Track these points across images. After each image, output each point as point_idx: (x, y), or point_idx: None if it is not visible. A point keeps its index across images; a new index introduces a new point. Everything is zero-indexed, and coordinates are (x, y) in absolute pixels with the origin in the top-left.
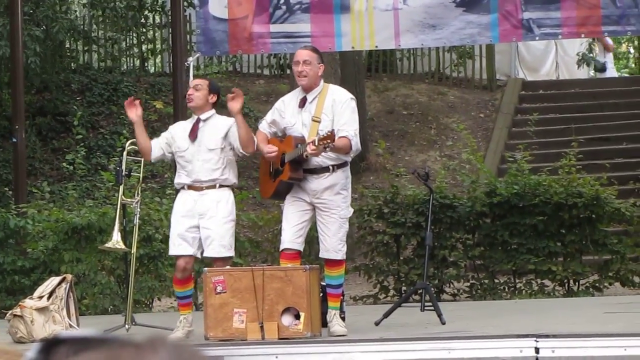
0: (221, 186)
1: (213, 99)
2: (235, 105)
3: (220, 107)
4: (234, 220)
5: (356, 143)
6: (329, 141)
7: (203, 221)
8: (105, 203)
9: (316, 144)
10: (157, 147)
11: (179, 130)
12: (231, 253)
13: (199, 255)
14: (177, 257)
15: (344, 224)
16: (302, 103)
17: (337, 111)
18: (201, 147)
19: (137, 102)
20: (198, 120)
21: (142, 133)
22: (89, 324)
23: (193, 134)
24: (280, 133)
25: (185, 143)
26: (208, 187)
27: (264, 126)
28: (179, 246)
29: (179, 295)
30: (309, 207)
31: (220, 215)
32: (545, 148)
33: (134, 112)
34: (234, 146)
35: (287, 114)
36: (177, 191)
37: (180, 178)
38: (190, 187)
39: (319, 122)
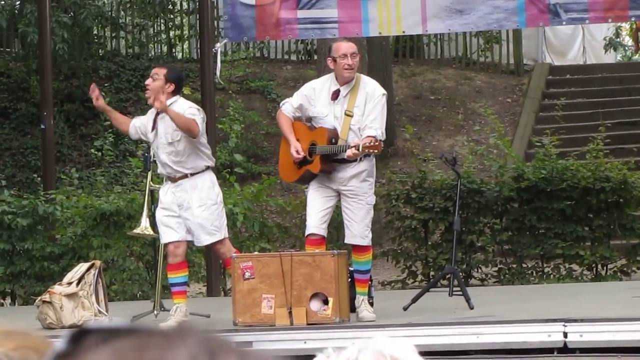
0: (193, 174)
1: (170, 88)
2: (159, 105)
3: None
4: (215, 203)
5: (380, 140)
6: (375, 150)
7: (182, 212)
8: (133, 189)
9: (359, 149)
10: (133, 129)
11: (145, 121)
12: (220, 236)
13: (190, 239)
14: (166, 243)
15: (370, 210)
16: (335, 95)
17: (368, 106)
18: (161, 140)
19: (97, 92)
20: (157, 113)
21: (115, 119)
22: (118, 309)
23: (153, 127)
24: (304, 118)
25: (150, 135)
26: (181, 178)
27: (288, 109)
28: (164, 234)
29: (171, 282)
30: (334, 194)
31: (196, 205)
32: (572, 133)
33: (95, 103)
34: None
35: (319, 103)
36: None
37: (159, 169)
38: (168, 178)
39: (352, 116)
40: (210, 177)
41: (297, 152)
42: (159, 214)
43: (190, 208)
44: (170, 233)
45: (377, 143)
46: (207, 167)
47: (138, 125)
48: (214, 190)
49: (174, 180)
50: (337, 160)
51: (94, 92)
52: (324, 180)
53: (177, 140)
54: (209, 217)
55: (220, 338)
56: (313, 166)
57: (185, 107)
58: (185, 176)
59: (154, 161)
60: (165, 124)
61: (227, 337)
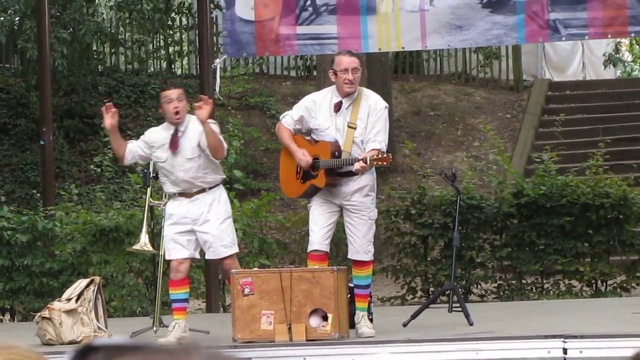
0: (210, 188)
1: (186, 106)
2: (202, 113)
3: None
4: (230, 217)
5: (389, 154)
6: (384, 162)
7: (197, 226)
8: (132, 205)
9: (367, 163)
10: (130, 155)
11: (157, 139)
12: (235, 250)
13: (196, 256)
14: (172, 260)
15: (373, 225)
16: (337, 107)
17: (371, 119)
18: (180, 158)
19: (114, 110)
20: (177, 132)
21: (116, 140)
22: (117, 326)
23: (174, 146)
24: (304, 130)
25: (164, 154)
26: (198, 192)
27: (288, 122)
28: (172, 250)
29: (172, 298)
30: (336, 209)
31: (214, 218)
32: (572, 148)
33: (109, 121)
34: (207, 152)
35: (320, 115)
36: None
37: (166, 187)
38: (181, 194)
39: (355, 128)
40: (224, 191)
41: (304, 155)
42: (170, 230)
43: (209, 221)
44: (178, 250)
45: (385, 155)
46: (220, 182)
47: (135, 149)
48: (228, 204)
49: (188, 195)
50: (341, 173)
51: (110, 110)
52: (327, 195)
53: (197, 155)
54: (226, 230)
55: (224, 354)
56: (318, 180)
57: (201, 127)
58: (203, 190)
59: (155, 177)
60: (188, 140)
61: (230, 353)
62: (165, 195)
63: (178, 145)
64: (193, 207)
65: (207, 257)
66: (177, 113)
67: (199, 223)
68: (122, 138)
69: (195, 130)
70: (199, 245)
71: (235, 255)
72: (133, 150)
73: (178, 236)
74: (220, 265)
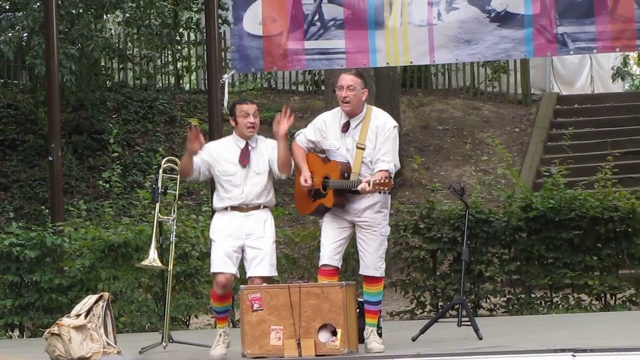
0: (264, 207)
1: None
2: (282, 127)
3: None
4: (275, 241)
5: (393, 173)
6: (385, 188)
7: (250, 241)
8: (141, 221)
9: (371, 186)
10: (197, 171)
11: (222, 153)
12: (276, 273)
13: (238, 275)
14: (218, 274)
15: (384, 241)
16: (345, 128)
17: (379, 139)
18: (250, 171)
19: (201, 137)
20: (247, 146)
21: (190, 160)
22: (126, 341)
23: (245, 160)
24: (318, 150)
25: (233, 167)
26: (253, 208)
27: (302, 140)
28: (224, 264)
29: (217, 310)
30: (348, 225)
31: (268, 235)
32: (580, 162)
33: (195, 145)
34: (273, 168)
35: (330, 136)
36: (214, 210)
37: (223, 202)
38: (234, 208)
39: (364, 149)
40: (271, 215)
41: (306, 180)
42: (226, 243)
43: (263, 237)
44: (229, 265)
45: (386, 181)
46: (273, 206)
47: (200, 165)
48: (274, 228)
49: (243, 210)
50: (351, 192)
51: (198, 137)
52: (338, 212)
53: (265, 171)
54: (274, 252)
55: None
56: (326, 200)
57: (272, 144)
58: (258, 207)
59: (164, 192)
60: (257, 154)
61: None
62: (173, 210)
63: (249, 159)
64: (247, 222)
65: (251, 273)
66: (251, 127)
67: (253, 238)
68: (191, 160)
69: (265, 147)
70: (240, 265)
71: (268, 279)
72: (198, 165)
73: (231, 251)
74: (250, 284)
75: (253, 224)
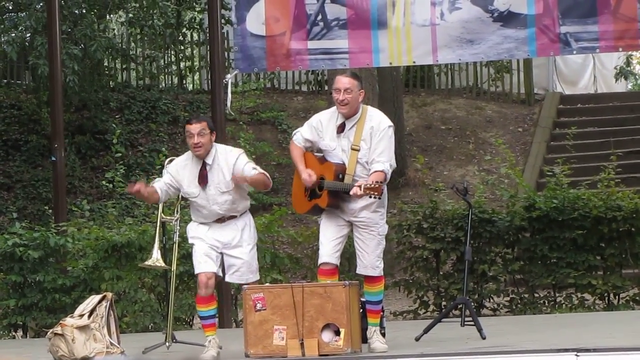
0: (241, 215)
1: (213, 136)
2: (241, 180)
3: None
4: (255, 243)
5: (389, 173)
6: (375, 193)
7: (228, 250)
8: (144, 221)
9: (362, 190)
10: (164, 193)
11: (182, 173)
12: (257, 277)
13: (220, 274)
14: (200, 274)
15: (382, 240)
16: (341, 129)
17: (374, 140)
18: (213, 190)
19: (140, 187)
20: (204, 164)
21: (149, 196)
22: (130, 341)
23: (203, 181)
24: (315, 149)
25: (195, 189)
26: (229, 218)
27: (299, 139)
28: (204, 263)
29: (202, 315)
30: (345, 223)
31: (246, 243)
32: (583, 162)
33: (139, 194)
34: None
35: (326, 136)
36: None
37: (198, 218)
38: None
39: (358, 150)
40: (252, 218)
41: (309, 175)
42: (202, 244)
43: (241, 246)
44: (210, 264)
45: (377, 186)
46: (248, 207)
47: (164, 187)
48: (255, 231)
49: (220, 220)
50: (346, 192)
51: (134, 190)
52: (335, 211)
53: (229, 189)
54: (254, 257)
55: None
56: (321, 201)
57: (233, 158)
58: (234, 217)
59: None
60: (216, 175)
61: None
62: (176, 210)
63: (207, 179)
64: (224, 232)
65: (227, 279)
66: (197, 148)
67: (230, 247)
68: (149, 189)
69: (225, 161)
70: (222, 265)
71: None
72: (164, 190)
73: (210, 251)
74: (238, 289)
75: (230, 232)
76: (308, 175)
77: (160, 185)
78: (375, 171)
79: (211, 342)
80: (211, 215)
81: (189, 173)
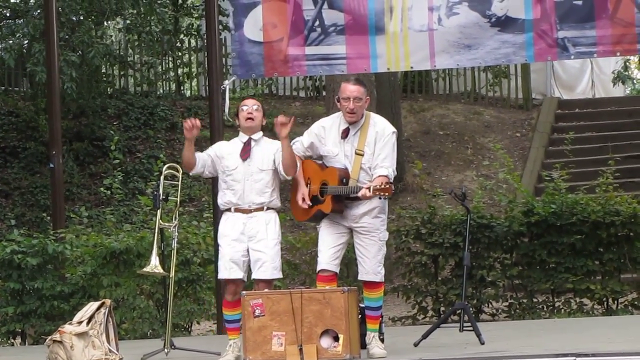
0: (268, 209)
1: (264, 121)
2: (284, 131)
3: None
4: (280, 242)
5: (392, 179)
6: (385, 193)
7: (253, 244)
8: (143, 227)
9: (371, 192)
10: (201, 163)
11: (226, 149)
12: (280, 275)
13: (245, 279)
14: (228, 280)
15: (383, 246)
16: (345, 134)
17: (378, 145)
18: (252, 167)
19: (198, 124)
20: (249, 140)
21: (191, 149)
22: (128, 348)
23: (246, 154)
24: (315, 157)
25: (234, 162)
26: (256, 210)
27: (298, 148)
28: (230, 270)
29: (228, 319)
30: (346, 230)
31: (271, 237)
32: (582, 166)
33: (191, 133)
34: (279, 169)
35: (329, 142)
36: (221, 212)
37: (225, 197)
38: (237, 209)
39: (362, 155)
40: (278, 218)
41: (303, 199)
42: (230, 248)
43: (266, 239)
44: (236, 271)
45: (387, 186)
46: (278, 208)
47: (206, 159)
48: (280, 231)
49: (246, 211)
50: (349, 199)
51: (195, 125)
52: (336, 217)
53: (269, 168)
54: (278, 253)
55: None
56: (324, 206)
57: (276, 146)
58: (261, 209)
59: (165, 199)
60: (261, 150)
61: None
62: (175, 217)
63: (250, 153)
64: (250, 224)
65: (254, 276)
66: (249, 119)
67: (255, 240)
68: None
69: (270, 147)
70: (249, 268)
71: (274, 281)
72: (204, 159)
73: (237, 256)
74: (256, 286)
75: (256, 225)
76: (302, 195)
77: (200, 155)
78: (380, 176)
79: (232, 345)
80: (243, 192)
81: (232, 148)
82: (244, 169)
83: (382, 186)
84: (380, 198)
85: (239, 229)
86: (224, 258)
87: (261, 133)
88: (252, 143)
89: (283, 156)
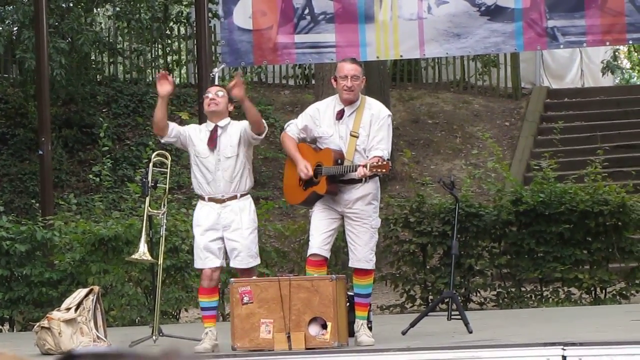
0: (242, 195)
1: (231, 107)
2: (239, 92)
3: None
4: (256, 228)
5: (388, 161)
6: (382, 170)
7: (228, 233)
8: (131, 214)
9: (368, 169)
10: (175, 132)
11: (198, 134)
12: (258, 261)
13: (224, 264)
14: (204, 268)
15: (375, 234)
16: (340, 115)
17: (374, 127)
18: (220, 155)
19: (170, 78)
20: (216, 128)
21: (163, 108)
22: (117, 335)
23: (212, 143)
24: (309, 139)
25: (205, 150)
26: (229, 199)
27: (293, 130)
28: (205, 259)
29: (203, 306)
30: (338, 216)
31: (245, 227)
32: (570, 156)
33: (165, 88)
34: (249, 137)
35: (324, 123)
36: (197, 196)
37: (201, 187)
38: (210, 199)
39: (357, 137)
40: (252, 203)
41: (306, 168)
42: (203, 238)
43: (240, 229)
44: (212, 259)
45: (384, 163)
46: (250, 189)
47: (180, 132)
48: (256, 216)
49: (220, 201)
50: (344, 181)
51: (166, 76)
52: (329, 202)
53: (236, 155)
54: (254, 241)
55: None
56: (319, 187)
57: (242, 125)
58: (235, 197)
59: (154, 186)
60: (228, 137)
61: None
62: (163, 204)
63: (216, 142)
64: (224, 213)
65: (232, 265)
66: (212, 104)
67: (230, 230)
68: (166, 108)
69: (235, 129)
70: (225, 253)
71: (255, 268)
72: (179, 130)
73: (211, 244)
74: (239, 275)
75: (230, 214)
76: (304, 165)
77: (180, 128)
78: (375, 157)
79: (208, 334)
80: (215, 181)
81: (202, 134)
82: (215, 159)
83: (379, 163)
84: (378, 175)
85: (213, 219)
86: (198, 247)
87: (228, 119)
88: (219, 131)
89: (247, 115)
